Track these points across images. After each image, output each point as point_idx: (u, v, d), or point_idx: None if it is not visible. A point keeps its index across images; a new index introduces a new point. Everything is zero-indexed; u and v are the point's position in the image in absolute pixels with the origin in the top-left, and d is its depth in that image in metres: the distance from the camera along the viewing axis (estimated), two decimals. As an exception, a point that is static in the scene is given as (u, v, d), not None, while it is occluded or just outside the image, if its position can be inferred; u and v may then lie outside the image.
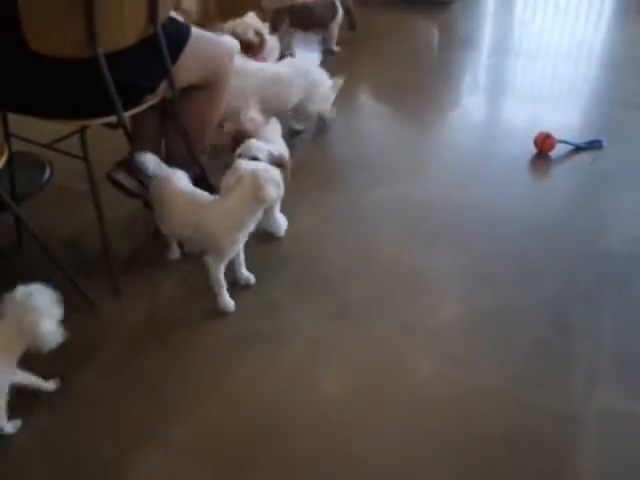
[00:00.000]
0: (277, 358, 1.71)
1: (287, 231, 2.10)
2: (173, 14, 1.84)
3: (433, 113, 3.02)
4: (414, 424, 1.53)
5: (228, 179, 1.74)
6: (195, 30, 1.89)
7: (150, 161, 1.85)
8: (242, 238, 1.79)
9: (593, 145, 2.59)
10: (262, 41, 2.71)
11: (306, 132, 2.81)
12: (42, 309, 1.44)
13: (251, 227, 1.78)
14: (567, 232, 2.15)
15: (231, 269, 1.87)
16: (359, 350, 1.73)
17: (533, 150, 2.57)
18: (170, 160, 2.09)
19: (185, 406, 1.57)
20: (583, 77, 3.34)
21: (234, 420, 1.54)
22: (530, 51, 3.68)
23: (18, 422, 1.50)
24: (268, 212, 1.99)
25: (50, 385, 1.59)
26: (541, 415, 1.53)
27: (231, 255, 1.79)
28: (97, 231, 1.86)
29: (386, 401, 1.59)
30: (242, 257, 1.88)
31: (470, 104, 3.10)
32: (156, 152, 2.10)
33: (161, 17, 1.71)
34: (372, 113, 3.16)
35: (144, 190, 1.99)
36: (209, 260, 1.77)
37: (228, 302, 1.82)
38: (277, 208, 2.07)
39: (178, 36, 1.82)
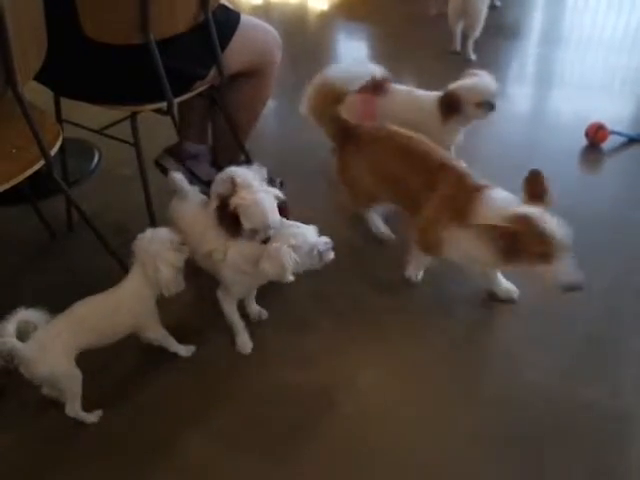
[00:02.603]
0: (318, 347, 1.71)
1: (328, 220, 2.01)
2: (223, 1, 1.84)
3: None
4: (461, 416, 1.52)
5: None
6: (244, 17, 1.90)
7: (179, 179, 1.71)
8: (253, 284, 1.67)
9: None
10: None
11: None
12: (162, 255, 1.50)
13: (261, 279, 1.62)
14: (619, 225, 2.09)
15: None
16: (402, 339, 1.73)
17: (584, 141, 2.51)
18: (217, 147, 2.11)
19: (228, 390, 1.60)
20: (637, 68, 3.23)
21: (277, 404, 1.56)
22: (582, 40, 3.57)
23: (100, 412, 1.53)
24: None
25: (183, 350, 1.66)
26: (591, 411, 1.51)
27: (240, 296, 1.68)
28: (145, 216, 1.90)
29: (432, 393, 1.59)
30: (254, 293, 1.75)
31: (519, 94, 3.03)
32: (203, 139, 2.13)
33: (212, 4, 1.72)
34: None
35: (192, 177, 2.01)
36: (219, 294, 1.66)
37: (245, 344, 1.69)
38: None
39: (228, 23, 1.83)
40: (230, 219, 1.56)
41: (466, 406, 1.54)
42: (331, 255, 1.55)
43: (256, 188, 1.58)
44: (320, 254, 1.52)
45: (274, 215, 1.56)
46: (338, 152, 1.87)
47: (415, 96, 2.27)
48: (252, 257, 1.52)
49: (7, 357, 1.35)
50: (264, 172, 1.70)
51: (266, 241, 1.54)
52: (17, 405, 1.56)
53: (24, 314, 1.39)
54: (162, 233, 1.55)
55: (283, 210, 1.65)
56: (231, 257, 1.57)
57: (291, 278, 1.49)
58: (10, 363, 1.36)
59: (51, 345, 1.42)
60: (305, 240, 1.50)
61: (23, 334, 1.39)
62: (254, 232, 1.55)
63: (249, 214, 1.54)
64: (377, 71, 1.94)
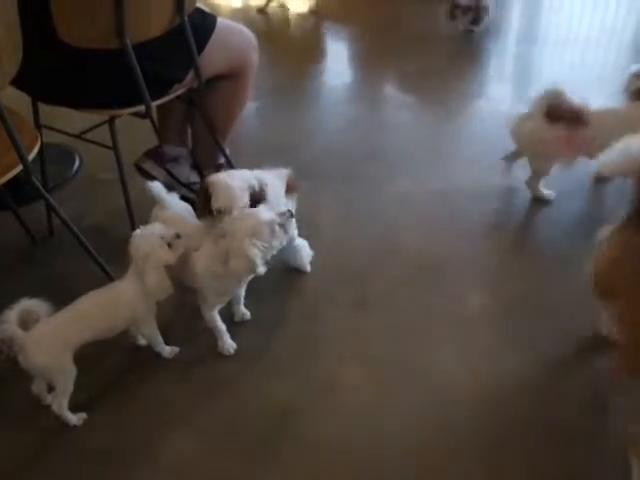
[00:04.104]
0: (301, 346, 1.72)
1: (310, 221, 2.06)
2: (199, 5, 1.85)
3: (458, 102, 2.99)
4: (439, 412, 1.53)
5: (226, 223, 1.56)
6: (221, 20, 1.91)
7: (156, 189, 1.70)
8: (230, 287, 1.65)
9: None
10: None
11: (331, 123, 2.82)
12: (153, 254, 1.50)
13: (236, 280, 1.61)
14: (599, 220, 2.11)
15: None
16: (383, 338, 1.74)
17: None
18: (196, 149, 2.12)
19: (210, 391, 1.60)
20: (613, 65, 3.28)
21: (260, 404, 1.57)
22: (558, 38, 3.61)
23: (83, 415, 1.53)
24: (287, 243, 1.75)
25: (167, 351, 1.67)
26: (571, 404, 1.52)
27: (218, 304, 1.65)
28: (125, 219, 1.91)
29: (410, 388, 1.60)
30: (242, 293, 1.74)
31: (496, 93, 3.06)
32: (182, 142, 2.14)
33: (188, 8, 1.74)
34: (396, 102, 3.13)
35: (172, 180, 2.03)
36: (200, 303, 1.65)
37: (228, 345, 1.69)
38: (295, 236, 1.84)
39: (204, 26, 1.84)
40: (205, 198, 1.59)
41: (442, 399, 1.56)
42: (293, 223, 1.55)
43: (233, 174, 1.62)
44: (283, 227, 1.53)
45: (242, 201, 1.57)
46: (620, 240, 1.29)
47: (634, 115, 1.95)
48: (220, 256, 1.51)
49: (8, 344, 1.36)
50: (285, 173, 1.77)
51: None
52: (3, 407, 1.57)
53: (27, 304, 1.40)
54: (154, 229, 1.54)
55: (258, 198, 1.64)
56: (200, 260, 1.56)
57: (262, 269, 1.51)
58: (10, 350, 1.37)
59: (51, 337, 1.43)
60: (261, 222, 1.49)
61: (26, 323, 1.40)
62: (220, 213, 1.56)
63: (218, 193, 1.56)
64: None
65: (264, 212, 1.53)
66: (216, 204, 1.57)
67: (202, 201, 1.61)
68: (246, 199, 1.58)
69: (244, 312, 1.78)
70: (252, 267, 1.49)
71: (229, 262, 1.49)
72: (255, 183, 1.62)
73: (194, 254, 1.57)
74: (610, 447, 1.43)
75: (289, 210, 1.57)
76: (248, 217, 1.52)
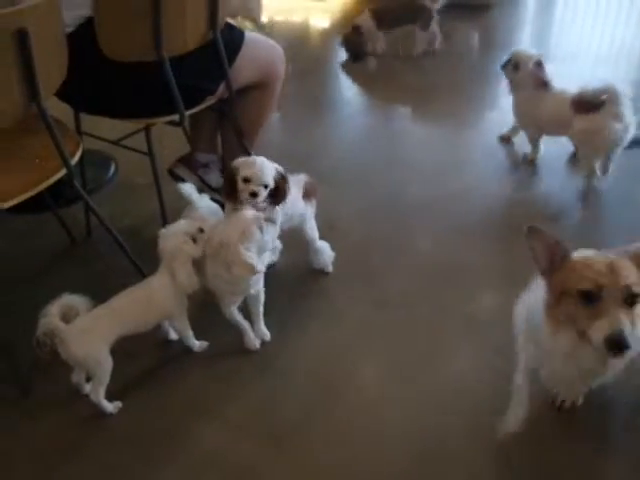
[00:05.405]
0: (322, 341, 1.79)
1: (331, 224, 2.14)
2: (229, 20, 1.96)
3: (471, 114, 3.07)
4: (456, 410, 1.57)
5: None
6: (249, 34, 2.02)
7: (186, 191, 1.76)
8: (241, 290, 1.68)
9: (636, 145, 2.57)
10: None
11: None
12: (180, 251, 1.57)
13: (242, 284, 1.65)
14: (612, 227, 2.19)
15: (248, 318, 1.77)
16: (400, 336, 1.80)
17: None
18: (226, 156, 2.22)
19: (237, 383, 1.68)
20: (623, 80, 3.32)
21: (282, 398, 1.63)
22: (569, 53, 3.66)
23: (119, 404, 1.60)
24: (309, 246, 1.93)
25: (197, 345, 1.74)
26: (585, 402, 1.55)
27: (234, 302, 1.70)
28: (159, 221, 2.00)
29: (424, 384, 1.65)
30: (260, 312, 1.76)
31: (508, 105, 3.12)
32: (213, 148, 2.24)
33: (220, 23, 1.85)
34: (411, 114, 3.22)
35: (204, 185, 2.13)
36: (218, 302, 1.71)
37: (253, 340, 1.75)
38: (316, 239, 1.94)
39: (233, 41, 1.95)
40: (230, 184, 1.68)
41: (455, 396, 1.61)
42: (275, 213, 1.64)
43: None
44: (269, 219, 1.61)
45: (269, 176, 1.67)
46: None
47: None
48: (223, 263, 1.57)
49: (50, 336, 1.44)
50: (302, 179, 1.85)
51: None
52: (46, 395, 1.65)
53: (68, 299, 1.48)
54: (179, 227, 1.62)
55: (281, 189, 1.70)
56: (209, 265, 1.63)
57: (262, 268, 1.58)
58: (52, 342, 1.45)
59: (91, 330, 1.51)
60: (248, 224, 1.55)
61: (67, 317, 1.48)
62: (247, 181, 1.65)
63: (245, 165, 1.67)
64: None
65: (247, 213, 1.59)
66: (243, 173, 1.65)
67: (227, 183, 1.70)
68: (272, 176, 1.67)
69: (264, 332, 1.78)
70: (252, 269, 1.54)
71: (231, 270, 1.55)
72: (279, 167, 1.72)
73: (207, 258, 1.63)
74: (624, 440, 1.49)
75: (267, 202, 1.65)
76: (235, 223, 1.57)
